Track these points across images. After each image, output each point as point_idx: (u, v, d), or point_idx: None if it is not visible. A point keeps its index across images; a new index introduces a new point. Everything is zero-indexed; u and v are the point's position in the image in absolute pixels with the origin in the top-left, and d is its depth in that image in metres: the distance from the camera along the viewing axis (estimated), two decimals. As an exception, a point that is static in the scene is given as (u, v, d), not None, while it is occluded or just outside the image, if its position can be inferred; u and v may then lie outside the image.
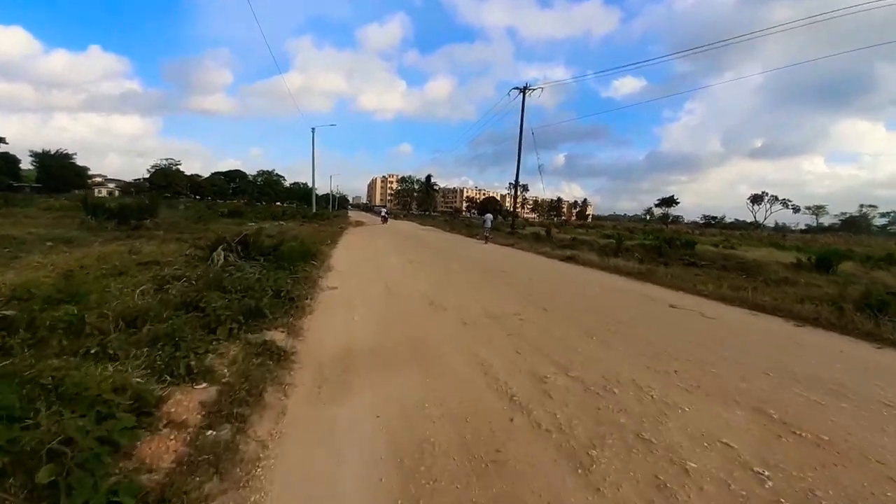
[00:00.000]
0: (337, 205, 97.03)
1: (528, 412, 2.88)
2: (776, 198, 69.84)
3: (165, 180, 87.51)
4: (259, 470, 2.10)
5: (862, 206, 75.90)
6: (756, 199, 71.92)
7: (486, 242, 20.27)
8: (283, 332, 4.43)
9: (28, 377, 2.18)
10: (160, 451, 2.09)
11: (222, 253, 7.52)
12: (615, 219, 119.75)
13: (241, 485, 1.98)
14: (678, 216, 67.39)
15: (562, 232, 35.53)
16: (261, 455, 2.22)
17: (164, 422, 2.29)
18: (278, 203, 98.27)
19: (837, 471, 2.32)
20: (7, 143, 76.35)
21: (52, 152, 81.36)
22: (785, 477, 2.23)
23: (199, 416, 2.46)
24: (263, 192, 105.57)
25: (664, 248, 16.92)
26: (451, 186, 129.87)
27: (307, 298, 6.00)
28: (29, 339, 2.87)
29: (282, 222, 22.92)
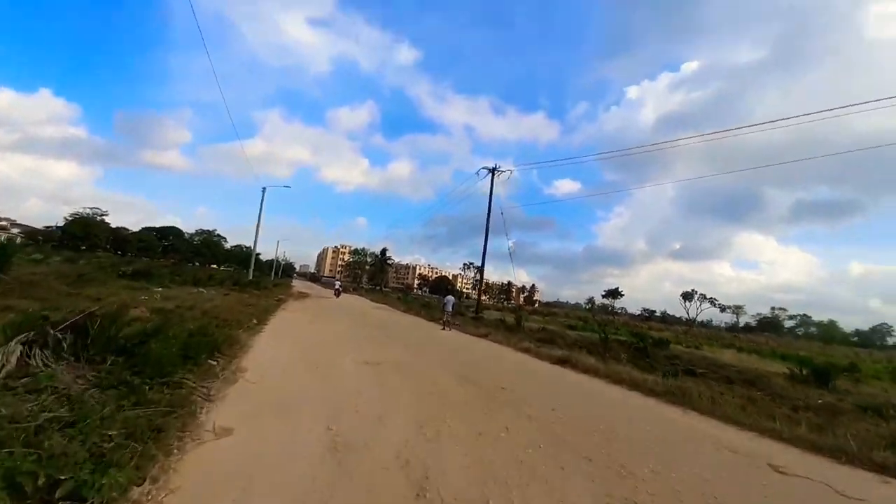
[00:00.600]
0: (281, 272, 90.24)
1: None
2: (704, 296, 75.14)
3: (83, 231, 77.04)
4: None
5: (773, 308, 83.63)
6: (687, 296, 76.83)
7: (446, 328, 17.44)
8: None
9: None
10: None
11: (19, 348, 4.03)
12: (560, 305, 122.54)
13: None
14: (621, 308, 69.71)
15: (506, 316, 33.72)
16: None
17: None
18: (215, 266, 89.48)
19: None
20: None
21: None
22: None
23: None
24: (200, 252, 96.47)
25: (650, 350, 15.04)
26: (403, 262, 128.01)
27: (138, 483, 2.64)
28: None
29: (202, 289, 18.61)
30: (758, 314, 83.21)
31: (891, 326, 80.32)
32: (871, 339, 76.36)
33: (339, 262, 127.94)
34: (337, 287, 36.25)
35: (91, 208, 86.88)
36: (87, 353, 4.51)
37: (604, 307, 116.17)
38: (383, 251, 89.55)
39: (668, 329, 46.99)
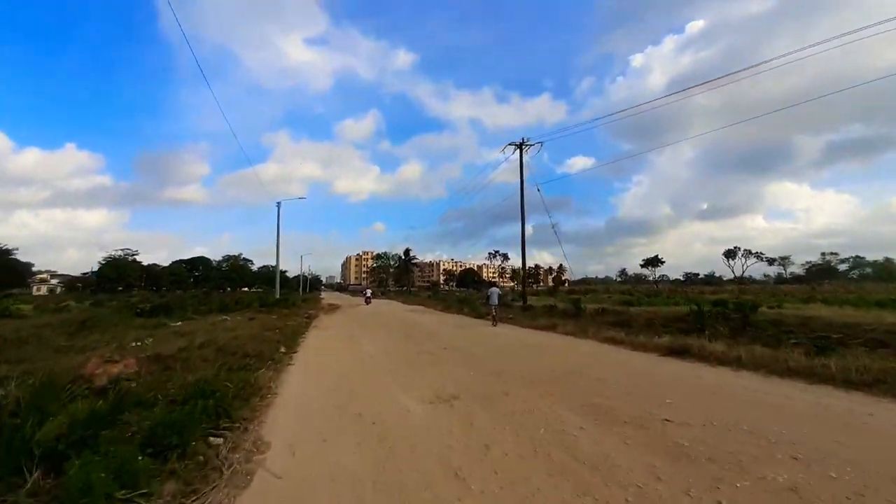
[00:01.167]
0: (309, 287, 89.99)
1: None
2: (749, 251, 69.88)
3: (116, 273, 78.59)
4: None
5: (823, 254, 77.36)
6: (730, 254, 71.72)
7: (494, 324, 15.23)
8: None
9: None
10: None
11: None
12: (590, 282, 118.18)
13: None
14: (662, 275, 65.29)
15: (558, 300, 30.77)
16: None
17: None
18: (246, 288, 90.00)
19: None
20: (-70, 242, 67.16)
21: (-11, 249, 72.18)
22: None
23: None
24: (228, 277, 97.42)
25: (752, 318, 12.25)
26: (426, 260, 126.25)
27: None
28: None
29: (226, 317, 16.88)
30: (807, 262, 77.19)
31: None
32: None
33: (364, 269, 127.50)
34: (367, 295, 34.92)
35: (122, 250, 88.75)
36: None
37: (638, 277, 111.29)
38: (407, 251, 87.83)
39: (722, 290, 43.17)
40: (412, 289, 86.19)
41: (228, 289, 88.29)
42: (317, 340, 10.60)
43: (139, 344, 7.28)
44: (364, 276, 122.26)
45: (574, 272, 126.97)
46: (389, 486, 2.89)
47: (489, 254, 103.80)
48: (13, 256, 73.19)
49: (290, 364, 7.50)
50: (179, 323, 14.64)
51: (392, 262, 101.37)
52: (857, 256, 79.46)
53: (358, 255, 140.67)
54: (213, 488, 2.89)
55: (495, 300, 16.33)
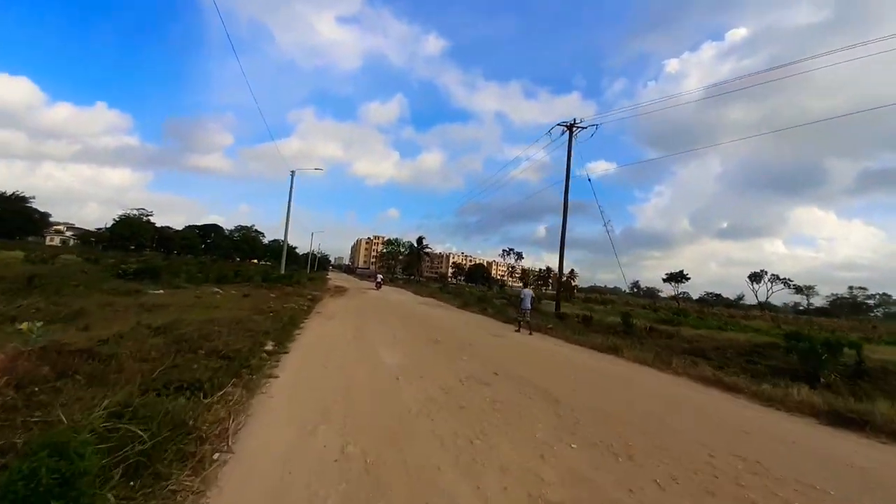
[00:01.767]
0: (317, 265, 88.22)
1: None
2: (777, 277, 65.67)
3: (129, 231, 77.39)
4: None
5: (851, 287, 72.81)
6: (755, 278, 67.59)
7: (522, 330, 12.81)
8: None
9: None
10: None
11: None
12: (600, 290, 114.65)
13: None
14: (683, 292, 61.58)
15: (576, 308, 27.94)
16: None
17: None
18: (255, 260, 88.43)
19: None
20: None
21: (7, 194, 71.42)
22: None
23: None
24: (239, 248, 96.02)
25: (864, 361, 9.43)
26: (436, 251, 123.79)
27: None
28: None
29: (218, 290, 14.50)
30: (832, 294, 72.74)
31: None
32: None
33: (373, 254, 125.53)
34: (378, 279, 33.10)
35: (137, 209, 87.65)
36: None
37: (651, 291, 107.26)
38: (419, 239, 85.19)
39: (750, 315, 39.89)
40: (420, 279, 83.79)
41: (238, 259, 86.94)
42: (317, 337, 8.07)
43: (18, 329, 4.59)
44: (373, 260, 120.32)
45: (582, 279, 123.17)
46: None
47: (503, 251, 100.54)
48: (29, 205, 72.44)
49: (270, 377, 4.96)
50: (161, 291, 12.28)
51: (402, 250, 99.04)
52: (885, 294, 74.80)
53: (369, 238, 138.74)
54: None
55: (528, 304, 13.71)
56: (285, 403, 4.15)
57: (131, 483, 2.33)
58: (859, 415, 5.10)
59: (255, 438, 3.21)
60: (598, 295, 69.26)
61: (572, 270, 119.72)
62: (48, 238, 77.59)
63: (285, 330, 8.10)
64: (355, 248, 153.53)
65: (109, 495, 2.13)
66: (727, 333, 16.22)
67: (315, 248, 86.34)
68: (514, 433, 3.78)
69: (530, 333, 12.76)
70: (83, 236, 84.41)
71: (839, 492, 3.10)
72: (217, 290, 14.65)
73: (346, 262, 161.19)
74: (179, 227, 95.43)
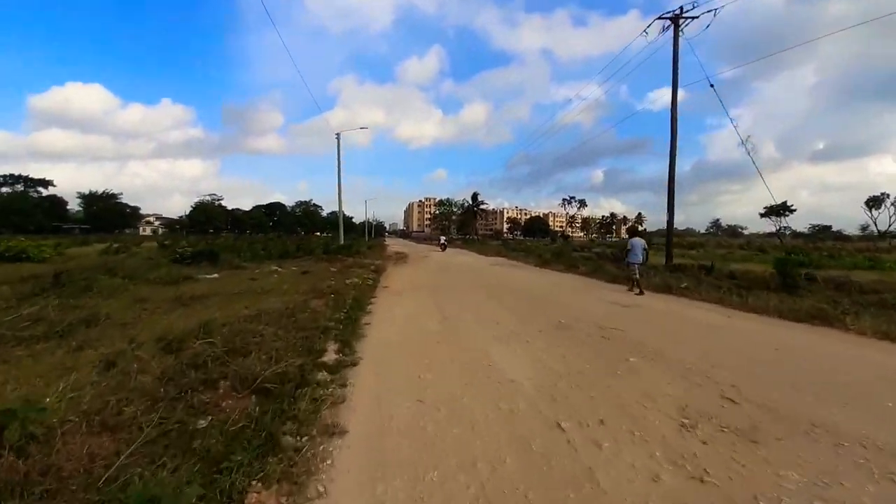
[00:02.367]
0: (373, 232, 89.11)
1: None
2: (903, 199, 53.43)
3: (204, 216, 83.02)
4: None
5: None
6: (874, 203, 55.73)
7: (634, 289, 9.93)
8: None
9: None
10: None
11: None
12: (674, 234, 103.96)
13: None
14: (786, 226, 51.94)
15: (659, 254, 23.42)
16: None
17: None
18: (318, 233, 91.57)
19: None
20: (55, 186, 74.62)
21: (99, 193, 79.07)
22: None
23: None
24: (301, 222, 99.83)
25: None
26: (489, 208, 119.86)
27: None
28: None
29: (277, 268, 13.06)
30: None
31: None
32: None
33: (426, 216, 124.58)
34: (443, 241, 33.98)
35: (210, 195, 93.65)
36: None
37: (732, 229, 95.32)
38: (474, 196, 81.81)
39: (880, 249, 32.32)
40: (476, 237, 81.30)
41: (302, 233, 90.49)
42: (393, 329, 5.83)
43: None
44: (427, 222, 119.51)
45: (648, 223, 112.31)
46: None
47: (563, 199, 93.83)
48: (119, 201, 79.75)
49: (332, 435, 2.72)
50: (216, 275, 10.96)
51: (455, 209, 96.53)
52: None
53: (420, 201, 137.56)
54: None
55: (639, 255, 10.59)
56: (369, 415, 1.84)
57: None
58: None
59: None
60: (680, 238, 61.80)
61: (640, 214, 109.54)
62: (141, 229, 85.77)
63: (350, 319, 5.99)
64: (408, 213, 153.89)
65: None
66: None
67: (370, 217, 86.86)
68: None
69: (641, 293, 9.85)
70: (169, 225, 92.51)
71: None
72: (276, 268, 13.23)
73: (401, 227, 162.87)
74: (248, 209, 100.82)
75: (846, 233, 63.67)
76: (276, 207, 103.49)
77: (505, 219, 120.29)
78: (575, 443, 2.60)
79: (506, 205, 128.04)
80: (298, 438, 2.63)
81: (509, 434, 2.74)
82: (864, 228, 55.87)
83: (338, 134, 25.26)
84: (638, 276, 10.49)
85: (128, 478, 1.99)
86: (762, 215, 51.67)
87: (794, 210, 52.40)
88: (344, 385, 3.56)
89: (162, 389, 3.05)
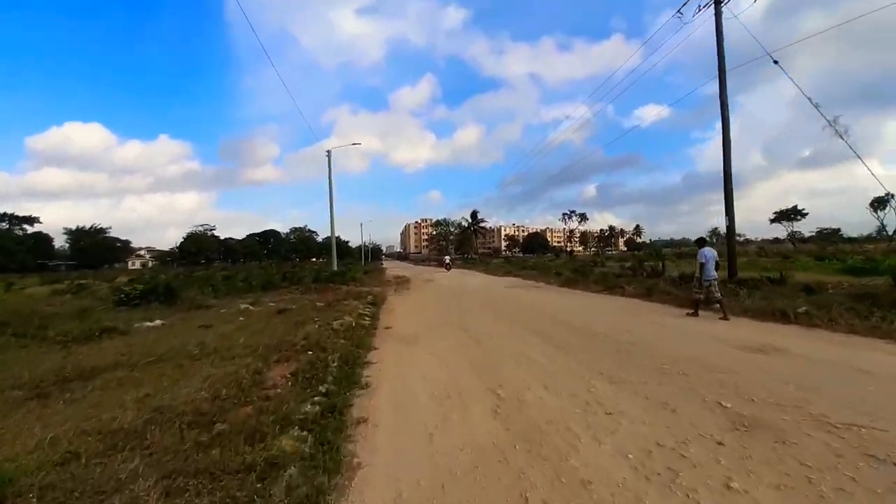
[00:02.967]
0: (370, 256, 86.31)
1: None
2: (911, 198, 51.79)
3: (195, 246, 79.91)
4: None
5: None
6: (879, 204, 54.03)
7: (720, 315, 7.59)
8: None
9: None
10: None
11: None
12: (660, 245, 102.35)
13: None
14: (796, 231, 49.58)
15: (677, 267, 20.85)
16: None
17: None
18: (314, 259, 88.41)
19: None
20: (41, 223, 71.64)
21: (87, 228, 76.17)
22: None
23: None
24: (296, 249, 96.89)
25: None
26: (486, 226, 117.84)
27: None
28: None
29: (249, 306, 10.22)
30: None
31: None
32: None
33: (423, 237, 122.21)
34: (447, 261, 33.18)
35: (202, 226, 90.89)
36: None
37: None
38: (474, 214, 79.55)
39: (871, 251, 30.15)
40: (475, 256, 78.64)
41: (297, 259, 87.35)
42: (408, 423, 3.09)
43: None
44: (424, 243, 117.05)
45: (647, 234, 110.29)
46: None
47: (563, 214, 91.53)
48: (108, 235, 76.75)
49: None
50: (158, 322, 8.10)
51: (452, 229, 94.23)
52: None
53: (416, 222, 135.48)
54: None
55: (713, 271, 8.04)
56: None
57: None
58: None
59: None
60: (673, 249, 59.48)
61: (637, 226, 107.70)
62: (130, 263, 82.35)
63: (329, 415, 3.20)
64: (404, 234, 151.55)
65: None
66: None
67: (366, 240, 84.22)
68: None
69: (725, 317, 7.32)
70: (160, 257, 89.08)
71: None
72: (248, 306, 10.40)
73: (398, 249, 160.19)
74: (234, 237, 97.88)
75: (849, 235, 61.94)
76: (270, 235, 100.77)
77: (503, 236, 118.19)
78: None
79: (501, 223, 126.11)
80: None
81: None
82: (880, 230, 53.96)
83: (328, 151, 22.91)
84: (719, 294, 7.93)
85: None
86: (772, 221, 49.56)
87: (806, 214, 50.47)
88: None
89: None
